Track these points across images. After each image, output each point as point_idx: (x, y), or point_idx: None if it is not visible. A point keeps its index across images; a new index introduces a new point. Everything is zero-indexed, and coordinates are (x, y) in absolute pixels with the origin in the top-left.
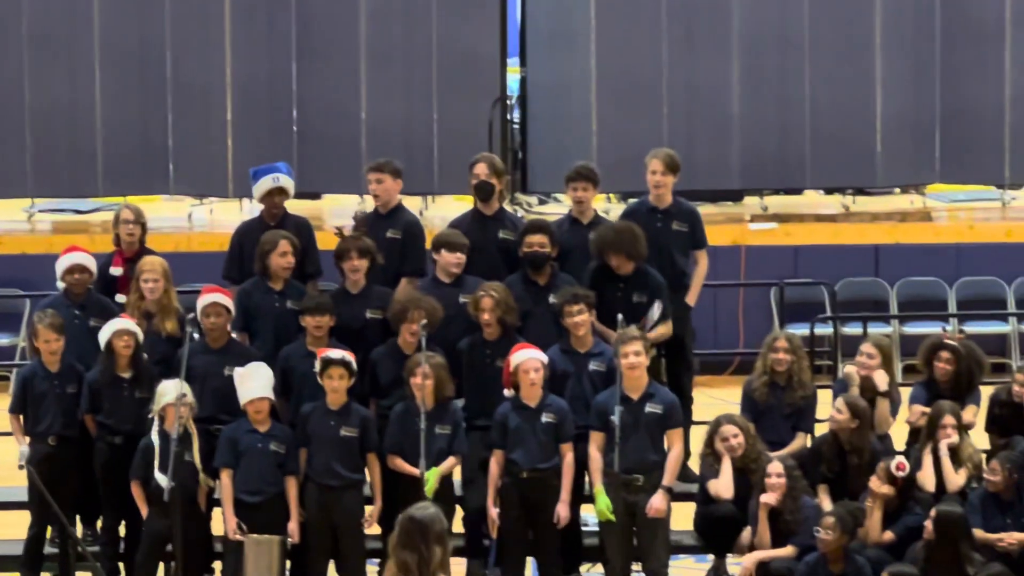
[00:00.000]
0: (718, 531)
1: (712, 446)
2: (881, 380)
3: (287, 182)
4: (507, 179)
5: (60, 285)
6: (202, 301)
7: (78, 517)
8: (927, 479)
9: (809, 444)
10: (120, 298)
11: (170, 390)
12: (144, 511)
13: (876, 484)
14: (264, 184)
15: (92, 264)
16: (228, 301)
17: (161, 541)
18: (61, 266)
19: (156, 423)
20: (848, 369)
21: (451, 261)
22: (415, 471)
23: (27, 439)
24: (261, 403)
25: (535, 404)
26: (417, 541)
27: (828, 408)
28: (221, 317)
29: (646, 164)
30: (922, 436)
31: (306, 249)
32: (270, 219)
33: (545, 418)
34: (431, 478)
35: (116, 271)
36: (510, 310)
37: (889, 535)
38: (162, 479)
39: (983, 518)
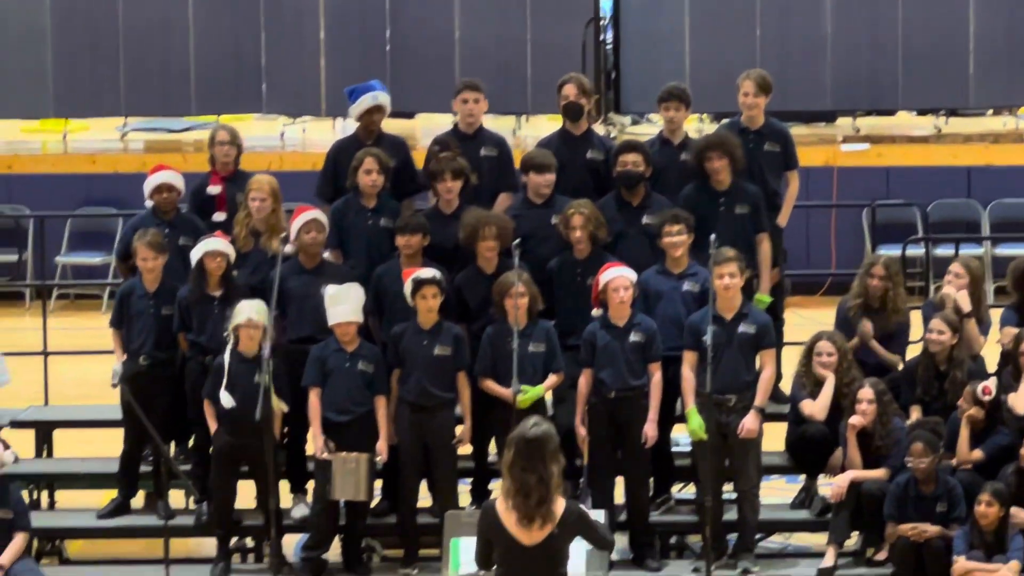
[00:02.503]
0: (810, 452)
1: (808, 364)
2: (964, 300)
3: (385, 100)
4: (595, 99)
5: (148, 203)
6: (300, 219)
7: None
8: (1018, 402)
9: (901, 367)
10: (218, 217)
11: (244, 311)
12: (213, 428)
13: (965, 406)
14: (364, 102)
15: (180, 182)
16: (325, 219)
17: (229, 459)
18: (149, 185)
19: (231, 343)
20: (946, 290)
21: (540, 183)
22: (506, 392)
23: (124, 356)
24: (348, 327)
25: (623, 323)
26: (536, 461)
27: (919, 331)
28: (322, 233)
29: (738, 85)
30: (1011, 359)
31: (402, 167)
32: (366, 137)
33: (633, 337)
34: (530, 393)
35: (214, 190)
36: (600, 225)
37: (978, 453)
38: (226, 399)
39: None
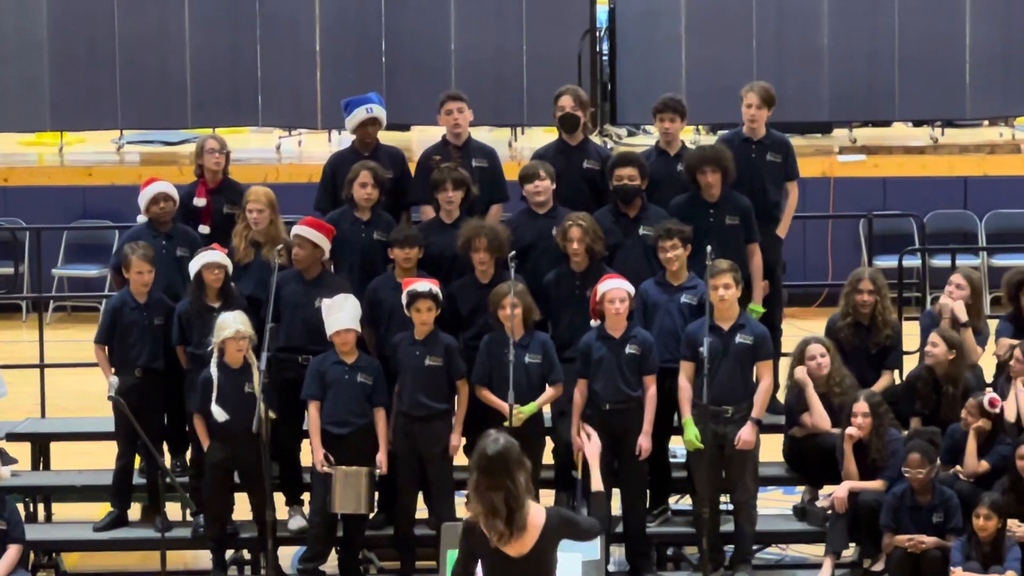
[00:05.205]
0: (805, 460)
1: (797, 370)
2: (961, 311)
3: (380, 112)
4: (592, 110)
5: (141, 218)
6: (292, 232)
7: (166, 448)
8: (1009, 409)
9: (897, 380)
10: (202, 229)
11: (231, 323)
12: (206, 444)
13: (970, 419)
14: (358, 115)
15: (175, 193)
16: (314, 234)
17: (223, 471)
18: (145, 197)
19: (216, 355)
20: (943, 300)
21: (528, 191)
22: (503, 404)
23: (112, 370)
24: (347, 335)
25: (619, 335)
26: (501, 478)
27: (916, 341)
28: (304, 249)
29: (741, 97)
30: (1006, 369)
31: (400, 179)
32: (363, 149)
33: (629, 349)
34: (525, 410)
35: (200, 202)
36: (598, 239)
37: (985, 464)
38: (218, 412)
39: None
